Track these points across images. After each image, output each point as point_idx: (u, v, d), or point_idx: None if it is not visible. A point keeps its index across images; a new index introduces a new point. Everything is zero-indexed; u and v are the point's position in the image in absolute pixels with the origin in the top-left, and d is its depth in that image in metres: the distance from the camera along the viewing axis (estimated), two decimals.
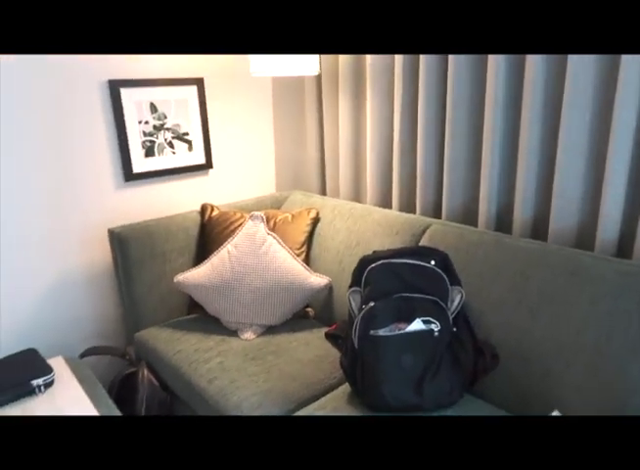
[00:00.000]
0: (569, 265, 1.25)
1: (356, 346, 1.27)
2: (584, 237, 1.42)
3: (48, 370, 1.40)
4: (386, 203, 1.95)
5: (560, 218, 1.42)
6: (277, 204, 2.09)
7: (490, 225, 1.60)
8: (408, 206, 1.87)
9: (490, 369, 1.31)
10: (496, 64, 1.45)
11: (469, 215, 1.70)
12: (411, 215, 1.69)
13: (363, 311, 1.26)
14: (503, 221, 1.61)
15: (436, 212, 1.79)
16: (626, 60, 1.21)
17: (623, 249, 1.35)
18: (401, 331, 1.24)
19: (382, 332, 1.24)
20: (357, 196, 2.07)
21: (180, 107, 1.92)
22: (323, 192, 2.23)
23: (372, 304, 1.26)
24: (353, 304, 1.34)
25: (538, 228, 1.53)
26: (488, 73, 1.48)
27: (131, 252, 1.71)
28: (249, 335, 1.67)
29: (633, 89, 1.22)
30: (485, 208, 1.59)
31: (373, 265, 1.32)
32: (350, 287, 1.36)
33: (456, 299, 1.31)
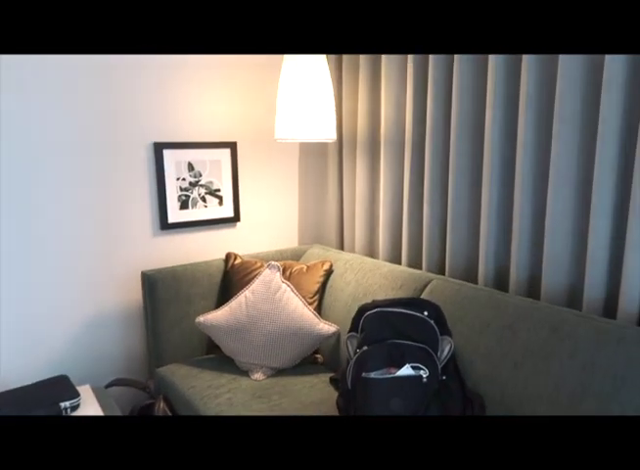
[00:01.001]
0: (552, 321, 1.33)
1: (349, 387, 1.37)
2: (573, 297, 1.51)
3: (75, 395, 1.56)
4: (396, 258, 2.09)
5: (551, 279, 1.52)
6: (296, 256, 2.25)
7: (489, 283, 1.70)
8: (416, 262, 1.99)
9: None
10: (491, 138, 1.62)
11: (470, 273, 1.80)
12: (416, 271, 1.81)
13: (357, 355, 1.37)
14: (501, 280, 1.71)
15: (441, 269, 1.90)
16: (602, 132, 1.35)
17: (609, 309, 1.43)
18: (391, 375, 1.34)
19: (373, 375, 1.35)
20: (371, 251, 2.22)
21: (214, 166, 2.17)
22: (341, 247, 2.39)
23: (365, 348, 1.37)
24: (350, 348, 1.45)
25: (532, 287, 1.62)
26: (485, 147, 1.64)
27: (159, 293, 1.90)
28: (258, 376, 1.79)
29: (609, 168, 1.35)
30: (484, 267, 1.70)
31: (369, 313, 1.44)
32: (349, 332, 1.48)
33: (446, 348, 1.41)
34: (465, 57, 1.68)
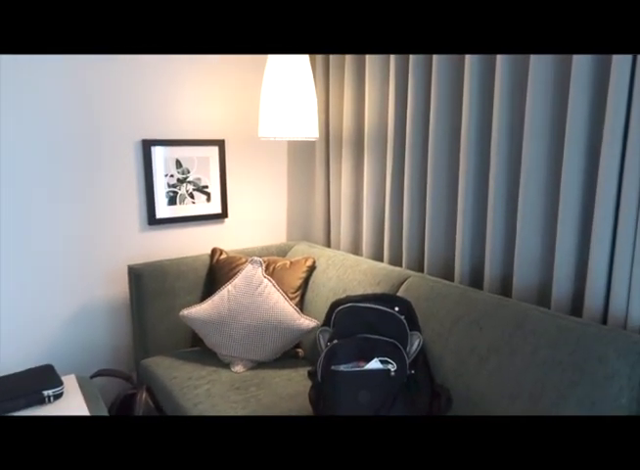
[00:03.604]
0: (516, 318, 1.36)
1: (319, 379, 1.41)
2: (543, 295, 1.54)
3: (59, 384, 1.61)
4: (378, 256, 2.12)
5: (521, 277, 1.55)
6: (282, 252, 2.29)
7: (464, 280, 1.73)
8: (396, 259, 2.03)
9: (444, 411, 1.41)
10: (467, 141, 1.65)
11: (447, 271, 1.84)
12: (395, 268, 1.85)
13: (327, 348, 1.41)
14: (476, 278, 1.74)
15: (420, 267, 1.94)
16: (568, 140, 1.37)
17: (576, 307, 1.45)
18: (360, 368, 1.38)
19: (342, 368, 1.38)
20: (356, 248, 2.25)
21: (202, 163, 2.21)
22: (328, 244, 2.43)
23: (335, 341, 1.41)
24: (322, 341, 1.49)
25: (505, 285, 1.65)
26: (461, 149, 1.68)
27: (145, 286, 1.94)
28: (239, 368, 1.83)
29: (576, 171, 1.38)
30: (460, 265, 1.73)
31: (340, 307, 1.48)
32: (321, 326, 1.52)
33: (415, 343, 1.44)
34: (443, 58, 1.71)
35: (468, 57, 1.62)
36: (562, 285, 1.44)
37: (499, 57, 1.53)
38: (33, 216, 1.89)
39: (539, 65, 1.43)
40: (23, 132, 1.84)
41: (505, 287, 1.65)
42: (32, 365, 1.93)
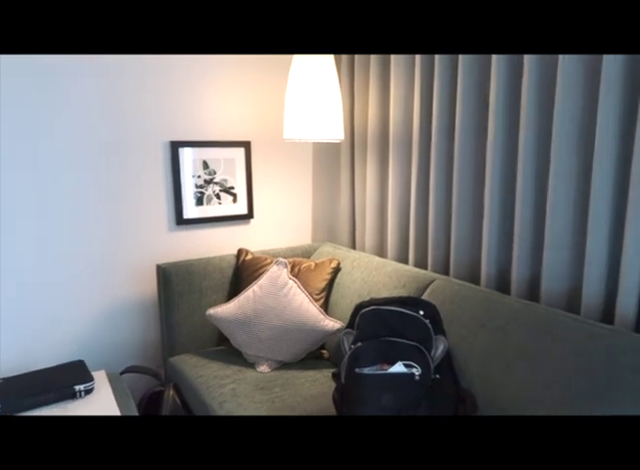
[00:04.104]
0: (544, 324, 1.34)
1: (343, 382, 1.41)
2: (572, 300, 1.50)
3: (89, 379, 1.66)
4: (404, 258, 2.11)
5: (550, 282, 1.52)
6: (307, 253, 2.30)
7: (491, 284, 1.71)
8: (422, 262, 2.01)
9: None
10: (493, 142, 1.62)
11: (473, 274, 1.81)
12: (420, 270, 1.84)
13: (351, 351, 1.41)
14: (503, 281, 1.72)
15: (445, 269, 1.92)
16: (599, 140, 1.34)
17: (607, 314, 1.42)
18: (383, 371, 1.37)
19: (366, 371, 1.38)
20: (380, 250, 2.25)
21: (228, 164, 2.24)
22: (353, 245, 2.43)
23: (359, 344, 1.41)
24: (346, 344, 1.49)
25: (533, 290, 1.62)
26: (488, 151, 1.65)
27: (172, 285, 1.98)
28: (264, 368, 1.85)
29: (608, 172, 1.34)
30: (486, 268, 1.71)
31: (365, 310, 1.48)
32: (345, 328, 1.52)
33: (440, 347, 1.43)
34: (469, 58, 1.69)
35: (495, 57, 1.59)
36: (592, 290, 1.40)
37: (527, 56, 1.50)
38: (66, 217, 1.95)
39: (568, 64, 1.40)
40: (56, 135, 1.89)
41: (532, 291, 1.62)
42: (64, 361, 2.00)
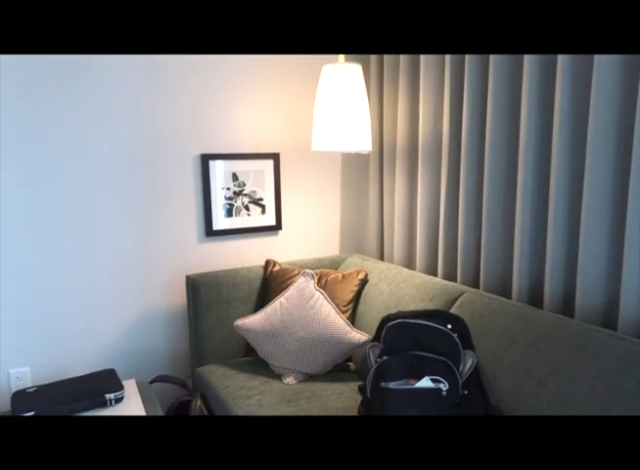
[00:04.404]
0: (579, 340, 1.29)
1: (368, 396, 1.39)
2: (608, 316, 1.44)
3: (120, 388, 1.69)
4: (433, 270, 2.08)
5: (585, 296, 1.46)
6: (335, 264, 2.30)
7: (522, 298, 1.66)
8: (451, 274, 1.98)
9: None
10: (525, 150, 1.59)
11: (504, 287, 1.77)
12: (449, 283, 1.80)
13: (377, 364, 1.39)
14: (535, 295, 1.67)
15: (475, 282, 1.88)
16: (637, 148, 1.29)
17: None
18: (410, 386, 1.35)
19: (392, 385, 1.36)
20: (409, 262, 2.22)
21: (257, 176, 2.26)
22: (381, 257, 2.41)
23: (385, 357, 1.39)
24: (372, 357, 1.47)
25: (567, 304, 1.56)
26: (519, 160, 1.61)
27: (201, 296, 2.01)
28: (290, 380, 1.84)
29: None
30: (518, 281, 1.66)
31: (391, 323, 1.46)
32: (371, 341, 1.50)
33: (468, 362, 1.40)
34: (499, 65, 1.66)
35: (526, 62, 1.56)
36: (630, 304, 1.34)
37: (560, 61, 1.46)
38: (99, 229, 2.01)
39: (604, 67, 1.35)
40: (89, 148, 1.96)
41: (566, 306, 1.56)
42: (96, 368, 2.04)
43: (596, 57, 1.37)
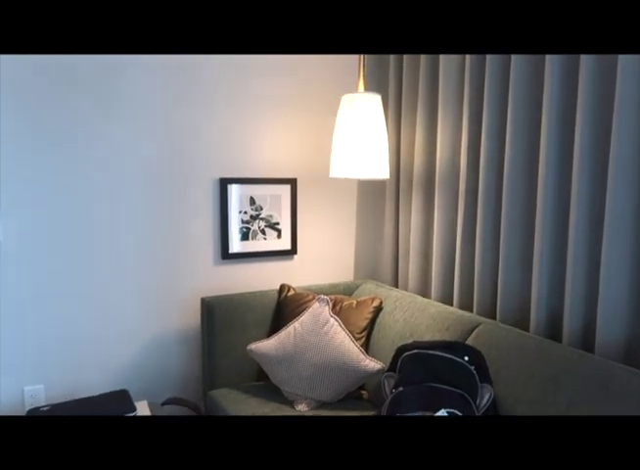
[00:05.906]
0: (600, 377, 1.26)
1: None
2: (631, 352, 1.41)
3: (132, 409, 1.69)
4: (448, 299, 2.06)
5: (606, 330, 1.44)
6: (349, 290, 2.29)
7: (541, 331, 1.64)
8: (467, 304, 1.96)
9: None
10: (544, 181, 1.59)
11: (522, 319, 1.75)
12: (465, 313, 1.78)
13: (392, 395, 1.38)
14: (554, 328, 1.64)
15: (491, 313, 1.86)
16: None
17: None
18: None
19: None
20: (424, 290, 2.20)
21: (274, 201, 2.28)
22: (395, 284, 2.40)
23: (401, 389, 1.38)
24: (387, 387, 1.46)
25: (587, 338, 1.53)
26: (538, 191, 1.61)
27: (215, 319, 2.01)
28: (302, 407, 1.82)
29: None
30: (536, 314, 1.64)
31: (407, 353, 1.44)
32: (387, 371, 1.49)
33: (485, 396, 1.37)
34: (518, 92, 1.67)
35: (546, 96, 1.57)
36: None
37: (580, 95, 1.47)
38: (115, 249, 2.03)
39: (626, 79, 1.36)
40: (112, 168, 2.00)
41: (587, 340, 1.54)
42: (109, 388, 2.04)
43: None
